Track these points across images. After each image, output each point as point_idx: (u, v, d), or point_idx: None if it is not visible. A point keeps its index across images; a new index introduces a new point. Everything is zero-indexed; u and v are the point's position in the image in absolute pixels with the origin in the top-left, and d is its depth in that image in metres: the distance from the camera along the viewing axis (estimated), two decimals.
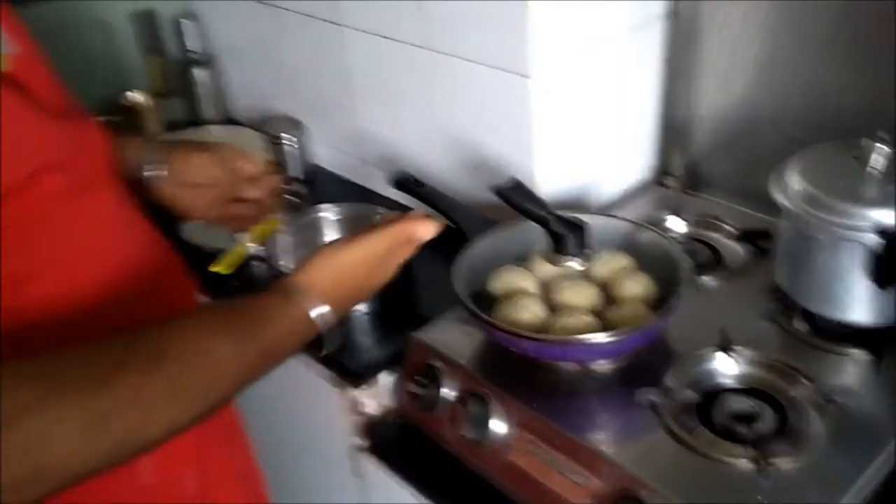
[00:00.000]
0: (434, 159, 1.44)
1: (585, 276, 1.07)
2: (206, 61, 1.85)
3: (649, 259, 1.08)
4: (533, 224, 1.00)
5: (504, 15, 1.17)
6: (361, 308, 1.23)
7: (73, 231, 0.77)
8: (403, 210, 1.31)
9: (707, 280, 1.18)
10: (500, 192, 0.99)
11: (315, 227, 1.38)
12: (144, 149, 1.00)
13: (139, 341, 0.66)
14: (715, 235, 1.29)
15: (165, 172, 1.00)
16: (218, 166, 1.04)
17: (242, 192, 1.07)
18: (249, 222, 1.13)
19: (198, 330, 0.70)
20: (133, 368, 0.63)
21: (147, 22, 1.83)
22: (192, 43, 1.82)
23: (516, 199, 0.99)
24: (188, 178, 1.02)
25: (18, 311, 0.73)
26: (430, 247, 0.90)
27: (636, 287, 1.04)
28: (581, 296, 1.04)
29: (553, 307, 1.04)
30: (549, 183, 1.29)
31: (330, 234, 1.37)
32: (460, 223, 1.08)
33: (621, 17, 1.27)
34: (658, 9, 1.32)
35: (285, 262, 1.26)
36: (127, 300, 0.82)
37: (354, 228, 1.14)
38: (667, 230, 1.26)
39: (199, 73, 1.84)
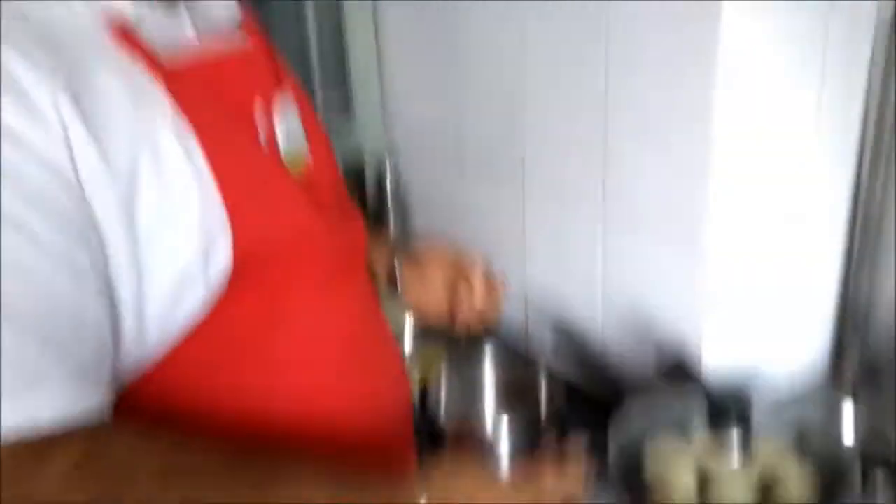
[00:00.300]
0: (600, 320, 1.47)
1: (744, 465, 1.04)
2: (399, 200, 1.99)
3: (813, 452, 1.04)
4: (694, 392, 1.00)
5: (682, 190, 1.22)
6: None
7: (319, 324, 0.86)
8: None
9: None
10: (663, 376, 1.00)
11: (478, 369, 1.41)
12: (392, 257, 1.09)
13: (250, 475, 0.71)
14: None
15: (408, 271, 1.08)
16: (450, 267, 1.09)
17: (463, 294, 1.08)
18: (464, 319, 1.13)
19: (309, 486, 0.73)
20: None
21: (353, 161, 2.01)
22: (391, 183, 1.98)
23: (680, 381, 0.99)
24: (426, 276, 1.08)
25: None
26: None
27: (796, 490, 1.00)
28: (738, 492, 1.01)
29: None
30: (716, 358, 1.28)
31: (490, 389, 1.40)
32: None
33: (802, 202, 1.29)
34: (840, 194, 1.33)
35: (444, 412, 1.29)
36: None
37: (513, 394, 1.14)
38: (836, 425, 1.21)
39: (392, 211, 1.98)
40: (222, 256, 0.74)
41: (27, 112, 0.62)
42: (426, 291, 1.08)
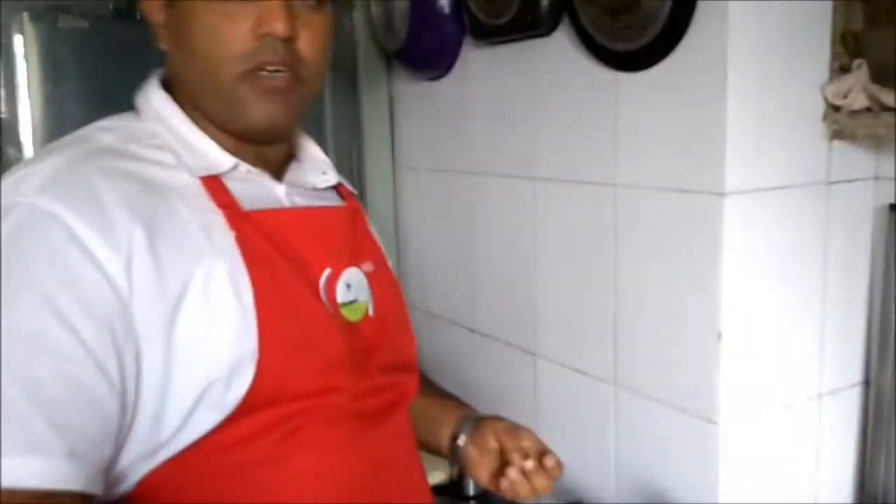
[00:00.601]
0: (612, 495, 1.45)
1: None
2: None
3: None
4: None
5: (695, 357, 1.24)
6: None
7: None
8: None
9: None
10: None
11: None
12: (461, 420, 1.12)
13: None
14: None
15: (468, 443, 1.10)
16: (507, 437, 1.09)
17: (518, 461, 1.08)
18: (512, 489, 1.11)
19: None
20: None
21: None
22: None
23: None
24: (482, 445, 1.09)
25: None
26: None
27: None
28: None
29: None
30: None
31: None
32: None
33: (815, 381, 1.30)
34: (854, 376, 1.34)
35: None
36: None
37: None
38: None
39: None
40: (243, 387, 0.80)
41: (103, 232, 0.75)
42: (480, 457, 1.09)
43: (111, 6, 2.09)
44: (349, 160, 2.01)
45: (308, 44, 0.87)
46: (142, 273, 0.76)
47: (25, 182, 0.77)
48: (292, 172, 0.97)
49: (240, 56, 0.85)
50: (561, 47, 1.43)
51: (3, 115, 1.76)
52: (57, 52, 1.96)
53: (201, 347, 0.78)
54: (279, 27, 0.84)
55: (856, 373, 1.35)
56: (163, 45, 0.89)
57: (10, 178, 0.78)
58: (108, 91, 2.05)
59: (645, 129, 1.29)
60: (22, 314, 0.71)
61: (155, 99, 0.90)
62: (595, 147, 1.38)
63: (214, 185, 0.86)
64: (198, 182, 0.85)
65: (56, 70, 1.96)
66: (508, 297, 1.66)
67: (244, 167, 0.89)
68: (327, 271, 0.91)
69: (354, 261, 0.96)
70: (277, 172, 0.94)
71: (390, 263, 1.11)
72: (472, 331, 1.80)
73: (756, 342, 1.24)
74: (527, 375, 1.63)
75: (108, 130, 0.87)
